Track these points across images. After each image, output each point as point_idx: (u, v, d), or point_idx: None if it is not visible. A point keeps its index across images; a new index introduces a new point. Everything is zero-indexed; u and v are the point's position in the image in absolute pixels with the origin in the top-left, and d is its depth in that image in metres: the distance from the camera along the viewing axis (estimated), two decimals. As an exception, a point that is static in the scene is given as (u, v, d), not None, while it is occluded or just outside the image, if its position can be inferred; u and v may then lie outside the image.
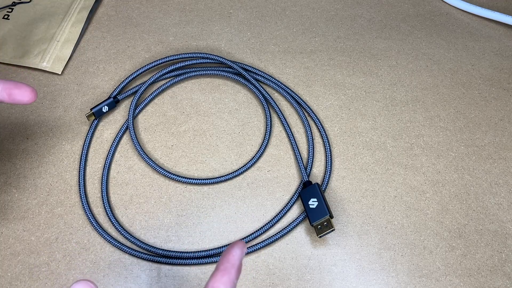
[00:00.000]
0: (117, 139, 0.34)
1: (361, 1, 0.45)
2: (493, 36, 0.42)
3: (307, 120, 0.36)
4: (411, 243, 0.31)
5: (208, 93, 0.38)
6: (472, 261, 0.31)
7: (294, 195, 0.33)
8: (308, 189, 0.32)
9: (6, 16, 0.41)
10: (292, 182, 0.34)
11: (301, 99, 0.37)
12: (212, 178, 0.33)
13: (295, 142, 0.35)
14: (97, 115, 0.35)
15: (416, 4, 0.45)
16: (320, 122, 0.36)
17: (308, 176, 0.34)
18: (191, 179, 0.33)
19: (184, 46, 0.41)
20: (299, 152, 0.34)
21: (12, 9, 0.42)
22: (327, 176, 0.34)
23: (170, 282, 0.30)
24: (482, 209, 0.33)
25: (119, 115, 0.36)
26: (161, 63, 0.37)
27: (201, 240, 0.31)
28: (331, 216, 0.31)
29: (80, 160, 0.34)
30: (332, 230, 0.30)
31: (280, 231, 0.31)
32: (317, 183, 0.32)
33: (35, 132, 0.36)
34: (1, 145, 0.35)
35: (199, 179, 0.33)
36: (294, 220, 0.32)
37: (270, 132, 0.35)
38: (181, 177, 0.33)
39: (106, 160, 0.34)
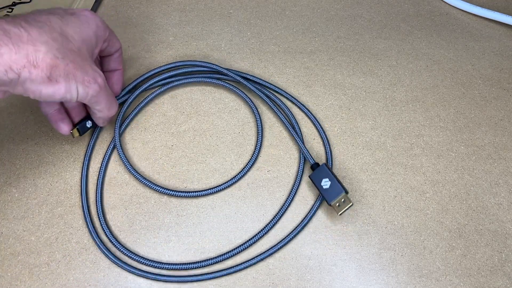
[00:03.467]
0: (107, 156, 0.34)
1: (361, 1, 0.45)
2: (493, 36, 0.42)
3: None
4: (411, 243, 0.31)
5: (208, 93, 0.38)
6: (472, 261, 0.31)
7: (290, 193, 0.33)
8: (317, 171, 0.32)
9: (6, 16, 0.41)
10: (291, 182, 0.34)
11: (297, 100, 0.37)
12: (206, 189, 0.33)
13: (293, 129, 0.35)
14: (82, 131, 0.33)
15: (416, 4, 0.45)
16: (318, 123, 0.36)
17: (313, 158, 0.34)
18: (186, 192, 0.33)
19: (184, 46, 0.41)
20: (301, 138, 0.34)
21: (12, 9, 0.42)
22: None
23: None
24: (482, 209, 0.33)
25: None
26: (153, 74, 0.37)
27: (201, 240, 0.31)
28: (347, 192, 0.31)
29: (84, 161, 0.34)
30: (351, 205, 0.31)
31: (285, 237, 0.31)
32: (324, 163, 0.32)
33: (35, 132, 0.36)
34: (1, 145, 0.35)
35: (192, 192, 0.33)
36: (298, 225, 0.32)
37: (261, 138, 0.35)
38: (176, 191, 0.33)
39: (102, 163, 0.34)
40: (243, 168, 0.34)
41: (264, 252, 0.31)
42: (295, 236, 0.31)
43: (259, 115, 0.36)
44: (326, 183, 0.31)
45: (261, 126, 0.35)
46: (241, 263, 0.30)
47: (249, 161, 0.34)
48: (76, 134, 0.33)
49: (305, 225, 0.32)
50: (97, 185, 0.33)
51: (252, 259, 0.30)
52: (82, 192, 0.32)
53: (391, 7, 0.44)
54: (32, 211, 0.32)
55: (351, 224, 0.32)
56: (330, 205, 0.31)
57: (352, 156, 0.35)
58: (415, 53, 0.41)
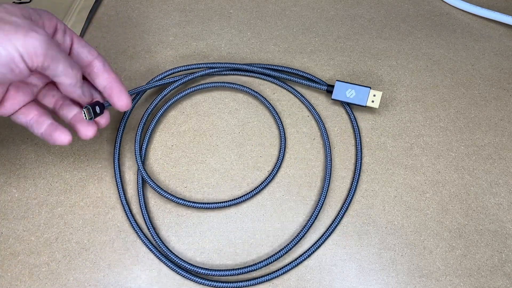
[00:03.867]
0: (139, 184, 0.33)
1: (361, 1, 0.45)
2: (493, 36, 0.42)
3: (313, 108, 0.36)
4: (411, 243, 0.31)
5: (208, 93, 0.38)
6: (472, 261, 0.31)
7: (315, 209, 0.33)
8: (336, 89, 0.36)
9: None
10: (292, 182, 0.34)
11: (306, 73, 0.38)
12: (234, 199, 0.32)
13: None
14: (92, 110, 0.29)
15: (416, 4, 0.45)
16: (314, 76, 0.37)
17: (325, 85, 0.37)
18: (218, 203, 0.32)
19: (184, 46, 0.41)
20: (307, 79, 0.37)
21: (12, 9, 0.42)
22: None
23: (170, 282, 0.30)
24: (482, 209, 0.33)
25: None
26: (162, 84, 0.36)
27: (201, 240, 0.31)
28: (370, 87, 0.35)
29: (114, 164, 0.33)
30: (382, 92, 0.35)
31: (306, 251, 0.31)
32: (336, 80, 0.35)
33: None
34: (1, 145, 0.35)
35: (222, 202, 0.32)
36: (309, 248, 0.31)
37: (285, 142, 0.35)
38: (213, 203, 0.32)
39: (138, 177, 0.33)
40: (272, 170, 0.34)
41: (292, 262, 0.31)
42: (319, 247, 0.31)
43: (279, 117, 0.36)
44: (350, 93, 0.35)
45: (283, 129, 0.35)
46: (270, 273, 0.30)
47: (277, 161, 0.34)
48: (88, 116, 0.28)
49: (330, 235, 0.32)
50: (138, 189, 0.33)
51: (277, 271, 0.30)
52: (119, 190, 0.33)
53: (391, 7, 0.44)
54: (32, 211, 0.32)
55: (351, 224, 0.32)
56: (365, 106, 0.35)
57: (352, 156, 0.35)
58: (415, 53, 0.41)
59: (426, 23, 0.43)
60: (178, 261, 0.30)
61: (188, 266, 0.30)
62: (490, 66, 0.40)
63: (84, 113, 0.28)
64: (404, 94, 0.38)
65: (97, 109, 0.29)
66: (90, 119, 0.29)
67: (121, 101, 0.29)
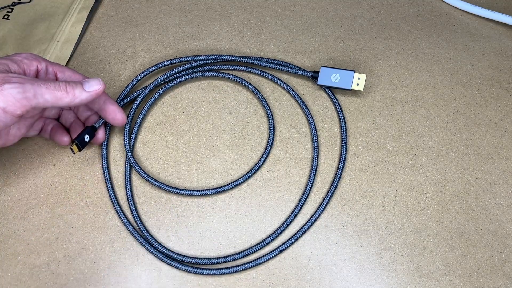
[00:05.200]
0: (127, 169, 0.34)
1: (361, 1, 0.45)
2: (493, 36, 0.42)
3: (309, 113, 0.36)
4: (411, 243, 0.31)
5: (208, 93, 0.38)
6: (472, 261, 0.31)
7: (304, 193, 0.33)
8: (321, 74, 0.36)
9: (6, 16, 0.41)
10: (291, 182, 0.34)
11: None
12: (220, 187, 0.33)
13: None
14: (81, 145, 0.32)
15: (416, 4, 0.45)
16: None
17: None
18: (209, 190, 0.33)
19: (184, 46, 0.41)
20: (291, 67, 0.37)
21: (12, 9, 0.42)
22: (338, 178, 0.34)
23: (170, 282, 0.30)
24: (482, 209, 0.33)
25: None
26: (148, 72, 0.37)
27: (201, 240, 0.31)
28: (354, 70, 0.36)
29: (102, 163, 0.34)
30: (366, 75, 0.36)
31: (288, 239, 0.31)
32: (321, 66, 0.36)
33: (35, 132, 0.36)
34: (1, 145, 0.35)
35: (210, 189, 0.33)
36: (301, 228, 0.32)
37: (274, 131, 0.35)
38: (200, 190, 0.33)
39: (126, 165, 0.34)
40: (261, 157, 0.34)
41: (266, 255, 0.31)
42: (302, 235, 0.32)
43: (268, 106, 0.36)
44: (335, 77, 0.35)
45: (272, 116, 0.36)
46: (259, 258, 0.31)
47: (265, 149, 0.34)
48: (76, 150, 0.31)
49: (313, 223, 0.32)
50: (125, 185, 0.33)
51: (266, 255, 0.31)
52: (108, 185, 0.33)
53: (391, 7, 0.44)
54: (32, 211, 0.32)
55: (351, 224, 0.32)
56: (351, 90, 0.36)
57: (352, 156, 0.35)
58: (415, 53, 0.41)
59: (426, 23, 0.43)
60: (176, 256, 0.30)
61: (183, 258, 0.30)
62: (490, 66, 0.40)
63: (72, 149, 0.31)
64: (404, 94, 0.38)
65: (86, 137, 0.32)
66: (79, 150, 0.32)
67: (116, 119, 0.32)
